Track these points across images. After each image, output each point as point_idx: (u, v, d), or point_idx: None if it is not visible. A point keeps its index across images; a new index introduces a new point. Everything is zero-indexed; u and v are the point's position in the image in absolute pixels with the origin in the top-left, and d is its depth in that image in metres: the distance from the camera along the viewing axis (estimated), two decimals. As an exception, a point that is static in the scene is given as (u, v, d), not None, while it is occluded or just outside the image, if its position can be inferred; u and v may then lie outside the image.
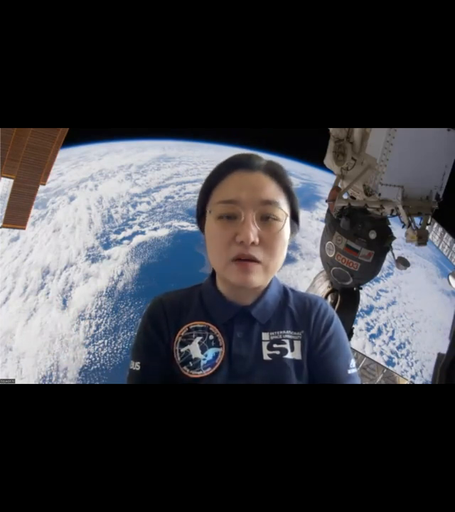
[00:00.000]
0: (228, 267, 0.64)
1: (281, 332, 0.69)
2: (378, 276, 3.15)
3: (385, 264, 2.92)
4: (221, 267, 0.66)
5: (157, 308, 0.73)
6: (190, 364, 0.67)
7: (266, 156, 0.71)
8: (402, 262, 2.65)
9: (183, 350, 0.68)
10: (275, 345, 0.67)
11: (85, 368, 21.39)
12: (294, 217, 0.71)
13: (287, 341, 0.68)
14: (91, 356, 22.06)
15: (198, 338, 0.69)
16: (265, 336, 0.68)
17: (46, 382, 19.74)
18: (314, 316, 0.70)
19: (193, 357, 0.67)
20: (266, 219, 0.64)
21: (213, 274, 0.75)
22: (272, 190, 0.66)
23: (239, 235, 0.62)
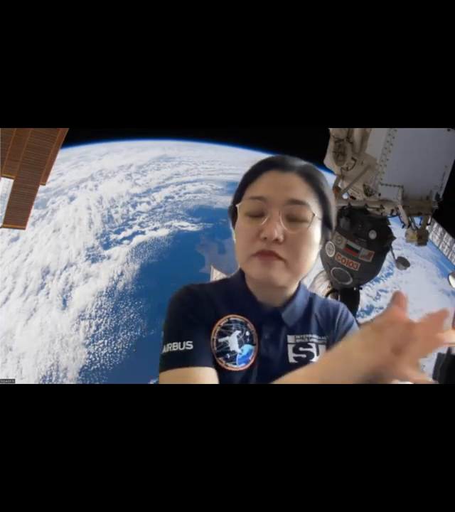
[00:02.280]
0: (250, 260, 0.64)
1: (307, 336, 0.69)
2: (378, 276, 3.15)
3: (385, 264, 2.92)
4: (243, 260, 0.66)
5: (197, 289, 0.71)
6: (228, 356, 0.66)
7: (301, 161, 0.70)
8: (402, 262, 2.65)
9: (221, 340, 0.67)
10: (301, 349, 0.68)
11: (85, 367, 21.40)
12: (327, 223, 0.69)
13: (313, 345, 0.69)
14: (91, 356, 22.08)
15: (237, 332, 0.68)
16: (290, 338, 0.69)
17: (46, 382, 19.76)
18: (337, 321, 0.72)
19: (231, 349, 0.66)
20: (293, 220, 0.63)
21: (242, 272, 0.74)
22: (302, 190, 0.65)
23: (264, 231, 0.62)
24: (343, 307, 0.76)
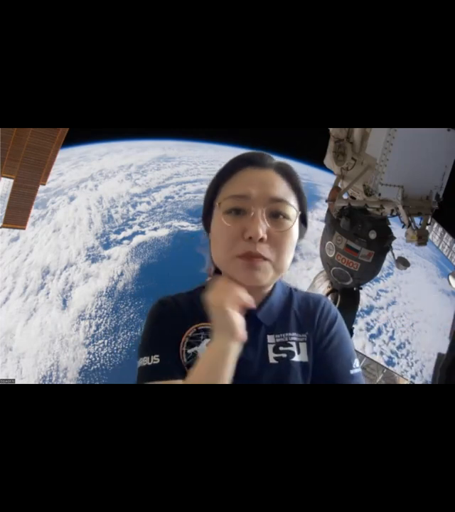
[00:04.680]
0: (233, 262, 0.63)
1: (286, 334, 0.68)
2: (378, 276, 3.15)
3: (385, 264, 2.92)
4: (225, 262, 0.64)
5: (169, 302, 0.72)
6: None
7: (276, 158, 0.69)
8: (402, 262, 2.64)
9: (190, 351, 0.67)
10: (281, 348, 0.66)
11: (85, 367, 21.37)
12: (303, 220, 0.69)
13: (293, 344, 0.67)
14: (91, 356, 22.05)
15: (206, 340, 0.67)
16: (270, 338, 0.67)
17: (46, 382, 19.74)
18: (318, 316, 0.70)
19: None
20: (276, 216, 0.63)
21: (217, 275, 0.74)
22: (283, 188, 0.65)
23: (248, 230, 0.60)
24: (324, 301, 0.73)
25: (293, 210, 0.64)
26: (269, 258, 0.62)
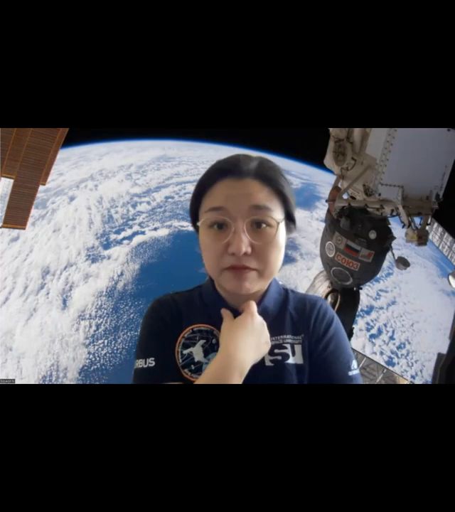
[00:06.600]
0: (222, 274, 0.63)
1: (281, 337, 0.67)
2: (378, 276, 3.15)
3: (385, 264, 2.92)
4: (215, 274, 0.66)
5: (167, 301, 0.72)
6: (192, 367, 0.65)
7: (258, 155, 0.68)
8: (402, 262, 2.64)
9: (185, 352, 0.66)
10: (276, 351, 0.66)
11: (85, 367, 21.40)
12: (290, 218, 0.68)
13: (288, 346, 0.67)
14: (91, 356, 22.07)
15: (202, 341, 0.67)
16: None
17: (46, 382, 19.74)
18: (314, 318, 0.69)
19: (196, 360, 0.66)
20: (258, 226, 0.62)
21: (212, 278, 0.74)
22: (263, 195, 0.63)
23: (231, 246, 0.60)
24: (321, 302, 0.72)
25: (275, 217, 0.63)
26: (255, 268, 0.62)
